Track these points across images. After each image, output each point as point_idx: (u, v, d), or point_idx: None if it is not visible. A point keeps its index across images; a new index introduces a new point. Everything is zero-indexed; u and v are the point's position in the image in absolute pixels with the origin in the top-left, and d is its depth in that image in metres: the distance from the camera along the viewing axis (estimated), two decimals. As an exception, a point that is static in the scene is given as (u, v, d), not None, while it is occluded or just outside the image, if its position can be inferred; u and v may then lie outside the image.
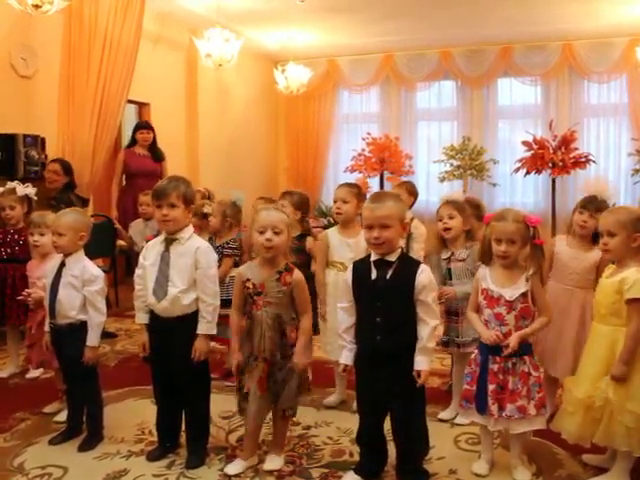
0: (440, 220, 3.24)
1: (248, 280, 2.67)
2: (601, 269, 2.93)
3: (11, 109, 5.37)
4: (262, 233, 2.60)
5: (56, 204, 4.48)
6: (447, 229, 3.21)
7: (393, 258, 2.46)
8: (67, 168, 5.36)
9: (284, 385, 2.65)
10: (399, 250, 2.49)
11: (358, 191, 3.41)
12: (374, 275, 2.47)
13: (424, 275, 2.44)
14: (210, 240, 3.69)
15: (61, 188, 5.27)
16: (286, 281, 2.63)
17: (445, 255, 3.24)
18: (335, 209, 3.40)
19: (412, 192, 4.62)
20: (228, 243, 3.85)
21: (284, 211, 2.72)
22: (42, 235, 3.39)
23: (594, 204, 3.04)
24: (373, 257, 2.49)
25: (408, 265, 2.48)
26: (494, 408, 2.55)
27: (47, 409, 3.37)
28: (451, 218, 3.20)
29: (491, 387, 2.56)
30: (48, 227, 3.27)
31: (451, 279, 3.23)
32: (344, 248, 3.34)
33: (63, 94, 5.63)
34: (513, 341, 2.53)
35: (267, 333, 2.62)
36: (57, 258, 3.02)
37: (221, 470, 2.73)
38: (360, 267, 2.55)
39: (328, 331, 3.34)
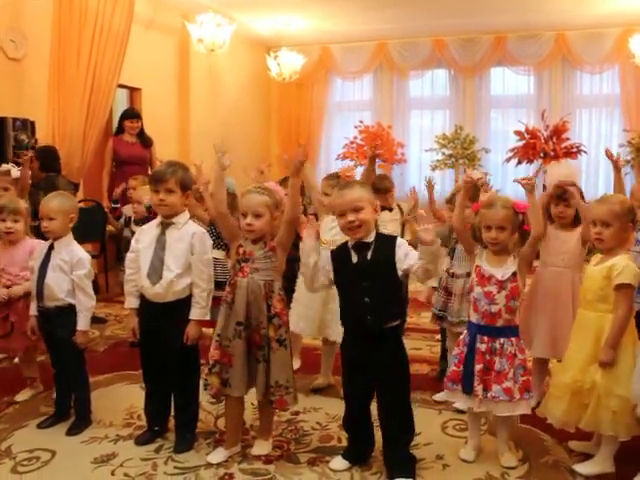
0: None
1: (241, 246, 2.67)
2: (584, 244, 3.05)
3: (0, 92, 5.31)
4: (244, 217, 2.61)
5: (35, 190, 4.33)
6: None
7: (370, 239, 2.49)
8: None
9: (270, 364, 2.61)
10: (374, 231, 2.52)
11: None
12: (355, 259, 2.50)
13: (402, 247, 2.48)
14: (211, 226, 3.63)
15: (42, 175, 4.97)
16: (271, 245, 2.63)
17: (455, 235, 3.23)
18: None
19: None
20: None
21: (269, 192, 2.66)
22: (16, 222, 3.21)
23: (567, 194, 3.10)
24: (351, 242, 2.52)
25: (385, 242, 2.51)
26: (479, 389, 2.55)
27: (18, 397, 3.34)
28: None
29: (478, 367, 2.56)
30: (22, 214, 3.22)
31: (452, 258, 3.31)
32: (328, 224, 3.31)
33: (53, 77, 5.58)
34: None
35: (252, 300, 2.59)
36: (44, 243, 3.00)
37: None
38: (339, 253, 2.57)
39: (295, 302, 3.32)
